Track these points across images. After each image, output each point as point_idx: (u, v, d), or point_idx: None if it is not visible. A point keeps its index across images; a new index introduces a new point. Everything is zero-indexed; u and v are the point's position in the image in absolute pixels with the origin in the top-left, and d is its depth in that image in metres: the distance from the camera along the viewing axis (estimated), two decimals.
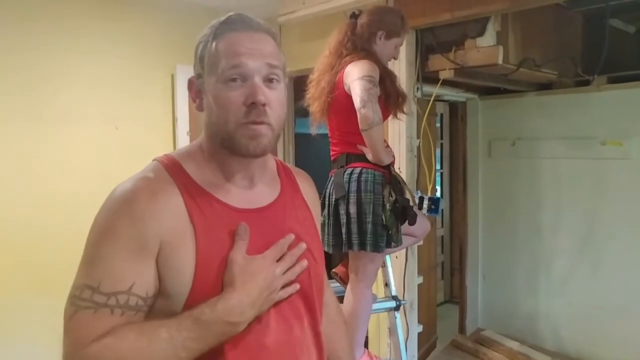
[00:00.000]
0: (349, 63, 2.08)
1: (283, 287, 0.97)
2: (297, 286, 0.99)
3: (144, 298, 0.88)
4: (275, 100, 0.95)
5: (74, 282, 0.88)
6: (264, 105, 0.92)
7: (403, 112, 2.25)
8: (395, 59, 2.31)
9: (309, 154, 3.77)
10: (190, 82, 1.01)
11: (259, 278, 0.92)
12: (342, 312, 1.31)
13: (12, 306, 2.69)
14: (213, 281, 0.90)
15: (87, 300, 0.85)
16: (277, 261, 0.96)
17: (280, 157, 3.73)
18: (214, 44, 0.94)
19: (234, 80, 0.92)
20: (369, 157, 2.07)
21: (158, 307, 0.90)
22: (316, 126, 2.26)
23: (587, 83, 3.37)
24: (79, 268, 0.89)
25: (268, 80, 0.95)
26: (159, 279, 0.89)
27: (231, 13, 0.98)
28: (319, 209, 1.20)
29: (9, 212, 2.68)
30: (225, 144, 0.96)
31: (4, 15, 2.66)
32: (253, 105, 0.92)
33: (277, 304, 0.97)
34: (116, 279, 0.86)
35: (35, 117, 2.77)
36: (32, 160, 2.77)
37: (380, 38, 2.17)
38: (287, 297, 0.98)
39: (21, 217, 2.72)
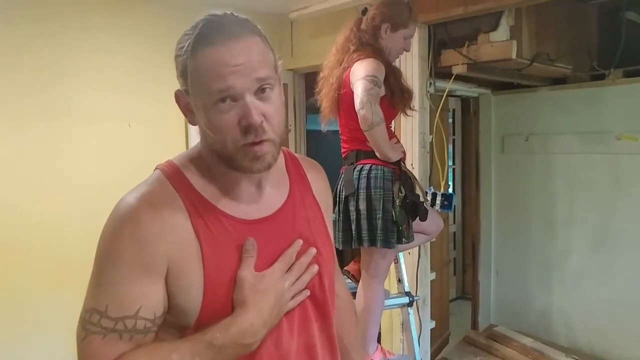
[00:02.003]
0: (356, 61, 2.07)
1: (293, 296, 0.95)
2: (307, 292, 0.98)
3: (152, 320, 0.86)
4: (272, 111, 0.88)
5: (84, 304, 0.87)
6: (259, 125, 0.86)
7: (411, 109, 2.23)
8: (407, 51, 2.28)
9: (320, 150, 3.75)
10: (177, 97, 0.93)
11: (270, 295, 0.90)
12: (352, 302, 1.29)
13: (28, 304, 2.72)
14: (223, 299, 0.89)
15: (95, 325, 0.84)
16: (287, 272, 0.94)
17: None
18: (192, 62, 0.86)
19: (223, 101, 0.85)
20: (377, 154, 2.07)
21: (169, 322, 0.89)
22: (326, 122, 2.25)
23: (602, 77, 3.33)
24: (87, 288, 0.87)
25: (261, 91, 0.87)
26: (169, 297, 0.87)
27: (205, 18, 0.89)
28: (330, 199, 1.16)
29: (23, 210, 2.71)
30: (226, 161, 0.92)
31: (17, 14, 2.67)
32: (248, 127, 0.86)
33: (287, 312, 0.96)
34: (122, 303, 0.84)
35: (48, 116, 2.79)
36: (46, 158, 2.79)
37: (386, 31, 2.15)
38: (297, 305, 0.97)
39: (35, 215, 2.74)
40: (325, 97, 2.19)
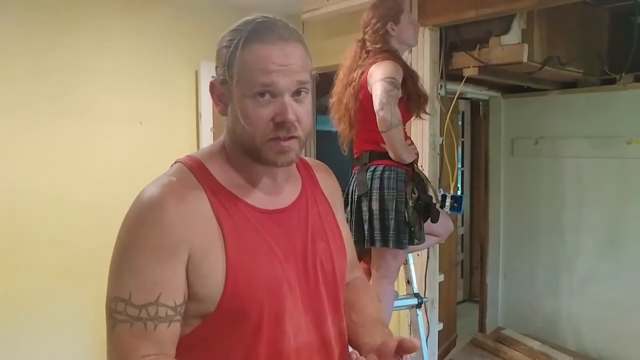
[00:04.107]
0: (373, 64, 2.09)
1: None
2: None
3: (173, 307, 0.88)
4: (304, 113, 0.95)
5: (107, 292, 0.89)
6: (292, 122, 0.92)
7: (425, 113, 2.25)
8: (418, 26, 2.34)
9: (329, 151, 3.77)
10: (213, 86, 0.98)
11: None
12: (367, 281, 1.32)
13: (40, 299, 2.75)
14: (244, 284, 0.91)
15: (122, 314, 0.86)
16: None
17: (301, 154, 3.74)
18: (242, 54, 0.91)
19: (262, 95, 0.91)
20: (391, 155, 2.08)
21: (190, 311, 0.91)
22: (347, 144, 2.28)
23: (612, 81, 3.32)
24: (109, 277, 0.89)
25: (297, 93, 0.93)
26: (188, 285, 0.89)
27: (258, 18, 0.94)
28: (339, 194, 1.21)
29: (31, 206, 2.73)
30: (251, 154, 0.96)
31: (32, 12, 2.70)
32: (282, 124, 0.91)
33: (306, 303, 0.98)
34: (145, 290, 0.86)
35: (61, 113, 2.81)
36: (58, 155, 2.81)
37: (393, 28, 2.18)
38: (315, 296, 1.00)
39: (44, 211, 2.76)
40: (340, 120, 2.23)
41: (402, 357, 0.94)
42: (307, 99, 0.97)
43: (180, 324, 0.89)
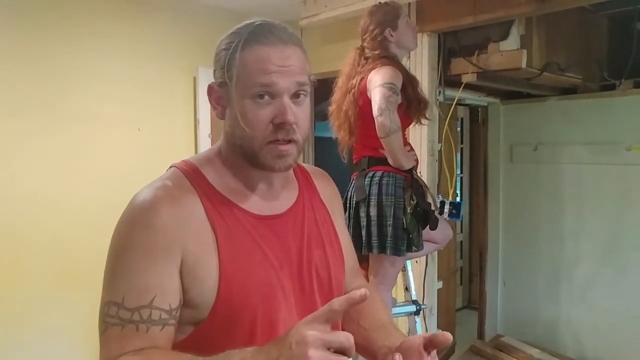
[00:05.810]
0: (372, 70, 2.09)
1: None
2: None
3: (168, 311, 0.86)
4: (302, 116, 0.93)
5: (101, 298, 0.88)
6: (292, 124, 0.91)
7: (425, 118, 2.24)
8: (417, 29, 2.36)
9: (328, 158, 3.77)
10: (211, 89, 0.97)
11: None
12: (371, 289, 1.29)
13: (37, 303, 2.74)
14: (237, 290, 0.89)
15: (114, 317, 0.85)
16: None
17: (300, 160, 3.73)
18: (241, 56, 0.90)
19: (261, 96, 0.90)
20: (390, 161, 2.07)
21: (184, 318, 0.89)
22: (346, 151, 2.27)
23: (612, 87, 3.32)
24: (104, 282, 0.88)
25: (296, 95, 0.92)
26: (184, 290, 0.88)
27: (257, 21, 0.94)
28: (339, 201, 1.19)
29: (28, 210, 2.72)
30: (248, 158, 0.95)
31: (30, 18, 2.70)
32: (281, 125, 0.90)
33: (300, 310, 0.96)
34: (138, 293, 0.85)
35: (59, 119, 2.82)
36: (56, 160, 2.81)
37: (392, 34, 2.17)
38: (310, 303, 0.98)
39: (41, 216, 2.76)
40: (340, 127, 2.22)
41: (429, 353, 0.92)
42: (306, 103, 0.95)
43: (174, 328, 0.88)
